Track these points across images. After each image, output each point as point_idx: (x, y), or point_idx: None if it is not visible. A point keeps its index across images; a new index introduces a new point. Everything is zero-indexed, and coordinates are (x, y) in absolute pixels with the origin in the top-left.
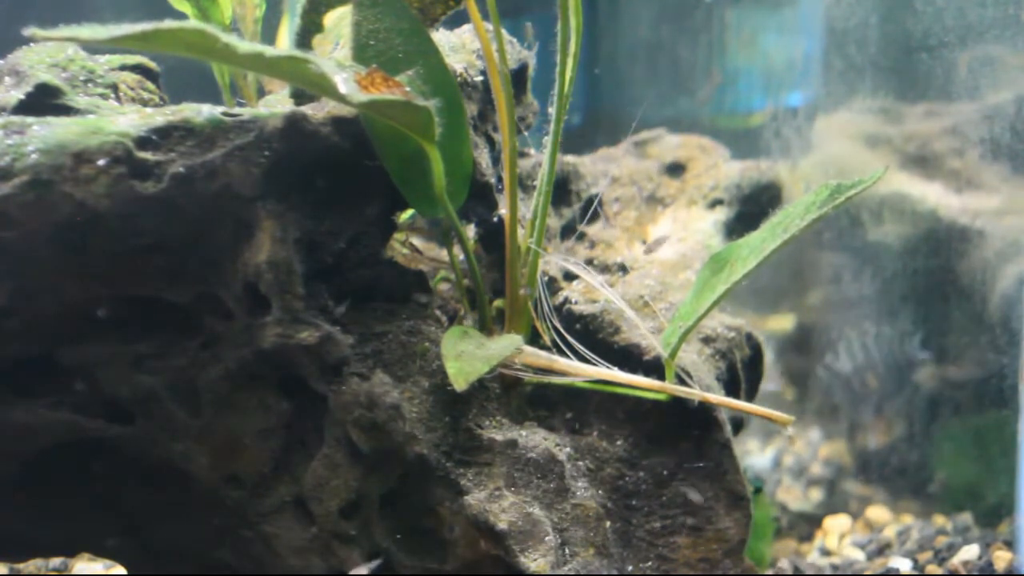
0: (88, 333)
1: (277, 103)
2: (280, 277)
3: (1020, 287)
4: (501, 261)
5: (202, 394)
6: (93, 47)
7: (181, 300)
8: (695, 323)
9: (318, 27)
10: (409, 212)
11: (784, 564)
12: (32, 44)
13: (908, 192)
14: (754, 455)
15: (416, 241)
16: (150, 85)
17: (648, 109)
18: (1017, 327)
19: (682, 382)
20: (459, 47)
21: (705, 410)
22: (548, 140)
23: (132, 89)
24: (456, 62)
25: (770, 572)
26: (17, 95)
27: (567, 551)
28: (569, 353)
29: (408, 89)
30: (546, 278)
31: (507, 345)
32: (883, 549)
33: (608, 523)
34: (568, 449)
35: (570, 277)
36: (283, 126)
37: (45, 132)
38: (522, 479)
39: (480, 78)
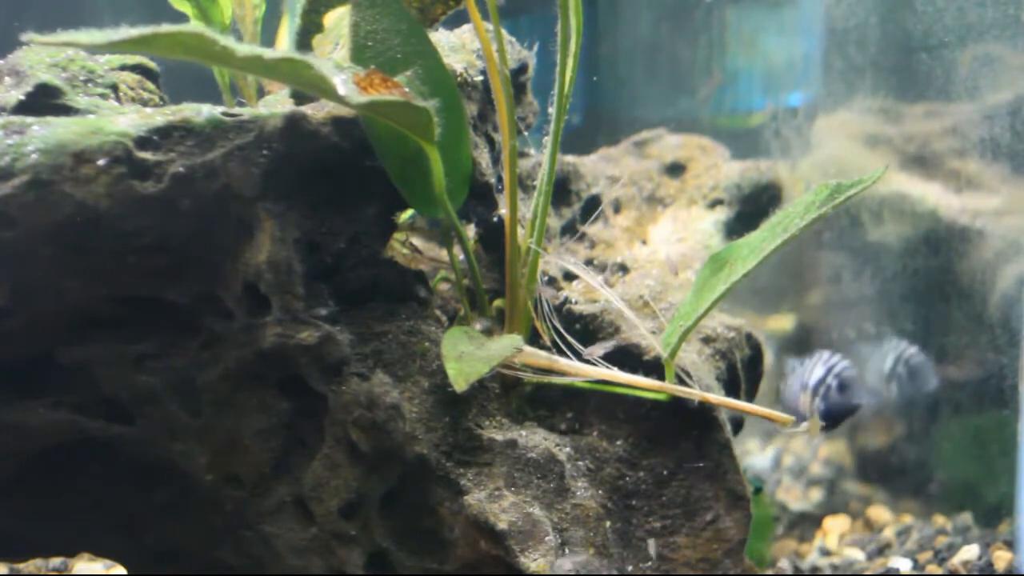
0: (88, 333)
1: (277, 103)
2: (280, 277)
3: (1020, 287)
4: (501, 261)
5: (202, 394)
6: (93, 49)
7: (181, 300)
8: (695, 323)
9: (318, 27)
10: (409, 212)
11: (784, 564)
12: (31, 45)
13: (908, 192)
14: (754, 455)
15: (416, 241)
16: (150, 85)
17: (648, 109)
18: (1017, 327)
19: (682, 382)
20: (459, 47)
21: (705, 410)
22: (548, 140)
23: (132, 89)
24: (456, 62)
25: (770, 572)
26: (17, 95)
27: (567, 551)
28: (569, 353)
29: (407, 90)
30: (546, 278)
31: (507, 345)
32: (883, 549)
33: (608, 523)
34: (568, 449)
35: (570, 277)
36: (283, 126)
37: (45, 132)
38: (522, 479)
39: (480, 78)
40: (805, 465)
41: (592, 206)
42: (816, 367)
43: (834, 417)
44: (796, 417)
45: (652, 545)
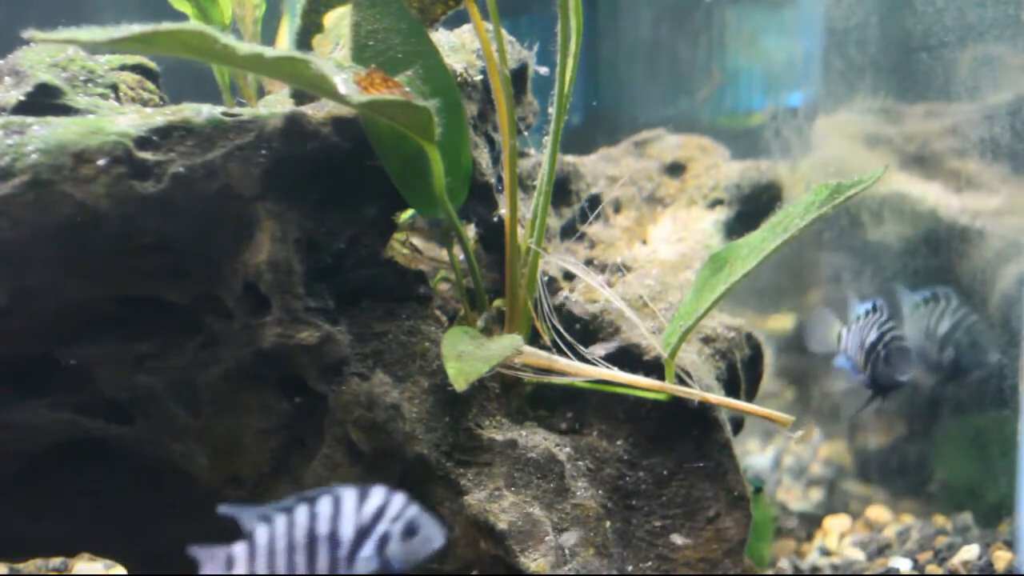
0: (88, 333)
1: (277, 103)
2: (280, 277)
3: (1020, 287)
4: (501, 261)
5: (202, 394)
6: (93, 48)
7: (181, 300)
8: (695, 323)
9: (318, 27)
10: (409, 212)
11: (784, 564)
12: (32, 44)
13: (908, 192)
14: (754, 455)
15: (416, 241)
16: (150, 85)
17: (648, 109)
18: (1017, 327)
19: (682, 382)
20: (459, 47)
21: (705, 410)
22: (548, 140)
23: (132, 89)
24: (456, 62)
25: (770, 572)
26: (17, 95)
27: (567, 551)
28: (569, 353)
29: (407, 89)
30: (546, 278)
31: (507, 345)
32: (883, 549)
33: (608, 523)
34: (568, 449)
35: (570, 277)
36: (283, 126)
37: (45, 132)
38: (522, 479)
39: (480, 78)
40: (805, 465)
41: (592, 206)
42: (873, 328)
43: (880, 387)
44: (855, 373)
45: (678, 538)
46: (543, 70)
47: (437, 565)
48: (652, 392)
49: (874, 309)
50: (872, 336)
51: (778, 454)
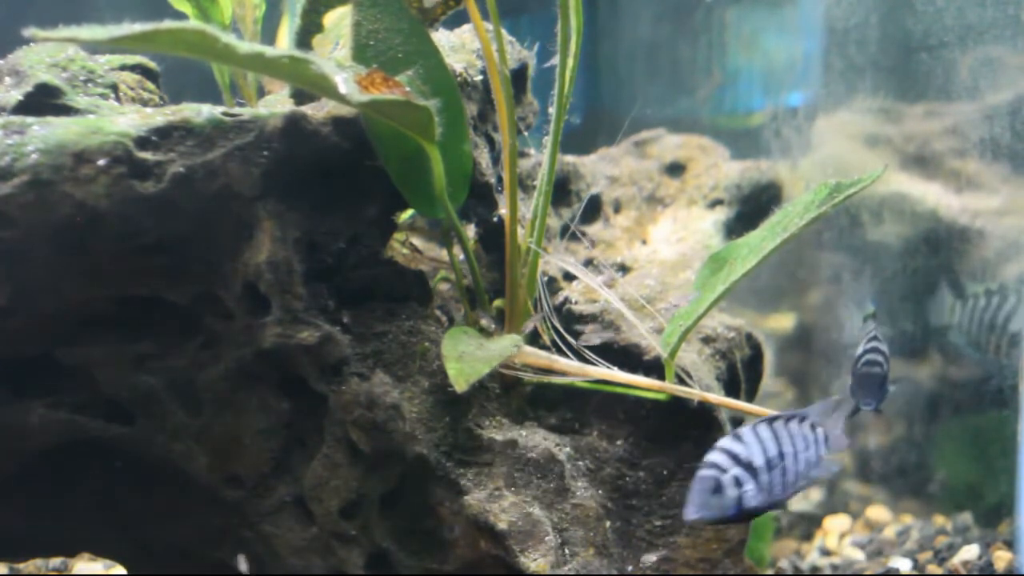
0: (88, 333)
1: (277, 103)
2: (280, 277)
3: (1020, 287)
4: (501, 261)
5: (202, 394)
6: (93, 47)
7: (181, 300)
8: (694, 323)
9: (318, 27)
10: (409, 212)
11: (784, 564)
12: (32, 44)
13: (908, 192)
14: None
15: (416, 241)
16: (150, 85)
17: (648, 109)
18: (1017, 327)
19: (682, 382)
20: (459, 47)
21: (705, 410)
22: (548, 140)
23: (132, 89)
24: (456, 62)
25: (770, 572)
26: (17, 95)
27: (567, 551)
28: (569, 353)
29: (408, 89)
30: (546, 278)
31: (507, 345)
32: (883, 549)
33: (608, 523)
34: (568, 449)
35: (570, 277)
36: (283, 126)
37: (45, 132)
38: (522, 479)
39: (480, 78)
40: None
41: (592, 206)
42: (863, 342)
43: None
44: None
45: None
46: (527, 75)
47: (437, 565)
48: (652, 392)
49: (873, 315)
50: (860, 348)
51: None
